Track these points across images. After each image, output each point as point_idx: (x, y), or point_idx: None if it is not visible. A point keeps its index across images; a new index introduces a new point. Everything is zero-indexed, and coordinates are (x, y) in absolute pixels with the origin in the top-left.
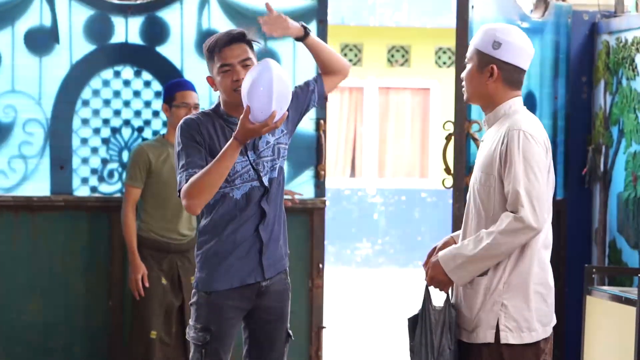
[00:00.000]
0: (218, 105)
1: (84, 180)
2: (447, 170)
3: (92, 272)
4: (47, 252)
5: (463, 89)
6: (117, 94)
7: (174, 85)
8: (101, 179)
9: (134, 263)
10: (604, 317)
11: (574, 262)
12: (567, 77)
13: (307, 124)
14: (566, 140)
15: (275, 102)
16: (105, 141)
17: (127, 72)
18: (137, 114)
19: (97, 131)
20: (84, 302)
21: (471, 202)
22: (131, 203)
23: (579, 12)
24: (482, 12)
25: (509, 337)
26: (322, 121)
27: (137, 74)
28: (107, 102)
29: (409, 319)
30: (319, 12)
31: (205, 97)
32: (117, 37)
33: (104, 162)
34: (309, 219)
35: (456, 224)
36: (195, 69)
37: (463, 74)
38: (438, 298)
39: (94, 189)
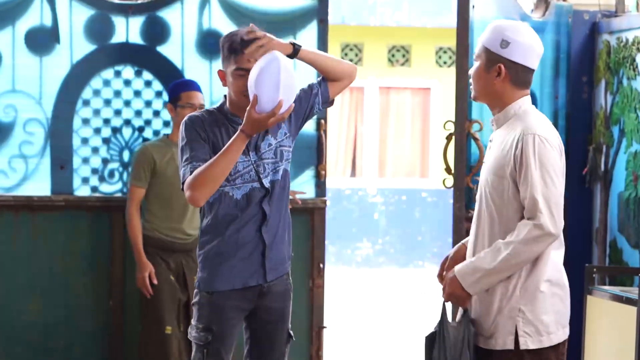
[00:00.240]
0: (223, 104)
1: (85, 180)
2: (448, 170)
3: (93, 272)
4: (47, 252)
5: (471, 86)
6: (117, 93)
7: (179, 85)
8: (102, 179)
9: (140, 262)
10: (605, 316)
11: (575, 262)
12: (567, 76)
13: (307, 124)
14: (567, 139)
15: (282, 91)
16: (106, 141)
17: (128, 71)
18: (138, 113)
19: (97, 131)
20: (84, 302)
21: (483, 205)
22: (136, 203)
23: (580, 11)
24: (483, 12)
25: (528, 343)
26: (322, 121)
27: (138, 73)
28: (107, 102)
29: (426, 337)
30: (320, 12)
31: (205, 98)
32: (118, 37)
33: (105, 161)
34: (310, 218)
35: (457, 224)
36: (196, 69)
37: (471, 71)
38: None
39: (94, 189)
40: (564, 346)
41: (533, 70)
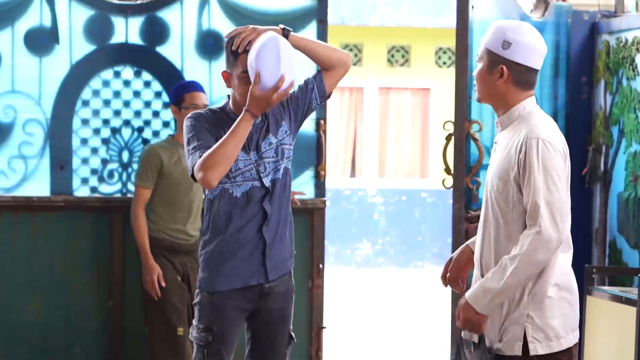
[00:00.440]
0: (226, 104)
1: (84, 181)
2: (447, 170)
3: (93, 273)
4: (47, 253)
5: (475, 88)
6: (117, 94)
7: (182, 87)
8: (101, 179)
9: (148, 264)
10: (604, 317)
11: (574, 262)
12: (567, 77)
13: (307, 124)
14: (566, 140)
15: (283, 66)
16: (105, 141)
17: (127, 72)
18: (137, 114)
19: (97, 131)
20: (84, 302)
21: (489, 209)
22: (141, 204)
23: (579, 12)
24: (482, 12)
25: (537, 349)
26: (322, 121)
27: (137, 74)
28: (107, 103)
29: None
30: (319, 12)
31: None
32: (117, 38)
33: (104, 162)
34: (309, 219)
35: (456, 224)
36: (196, 69)
37: (474, 73)
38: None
39: (94, 189)
40: (575, 349)
41: (537, 71)
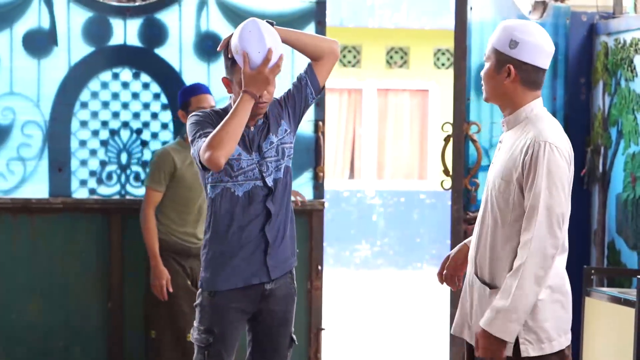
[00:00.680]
0: (229, 106)
1: (83, 183)
2: (446, 171)
3: (91, 274)
4: (46, 254)
5: (482, 87)
6: (115, 95)
7: (188, 90)
8: (100, 181)
9: (157, 268)
10: (603, 318)
11: (573, 264)
12: (565, 78)
13: (305, 126)
14: None
15: (268, 40)
16: (104, 143)
17: (126, 74)
18: (136, 115)
19: (95, 133)
20: (83, 303)
21: (488, 208)
22: (152, 207)
23: (578, 13)
24: (481, 14)
25: (529, 350)
26: (320, 123)
27: (136, 75)
28: (105, 104)
29: None
30: (318, 14)
31: None
32: (116, 39)
33: (103, 164)
34: (308, 220)
35: (455, 226)
36: (194, 71)
37: (482, 73)
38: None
39: (92, 191)
40: (568, 350)
41: (544, 70)
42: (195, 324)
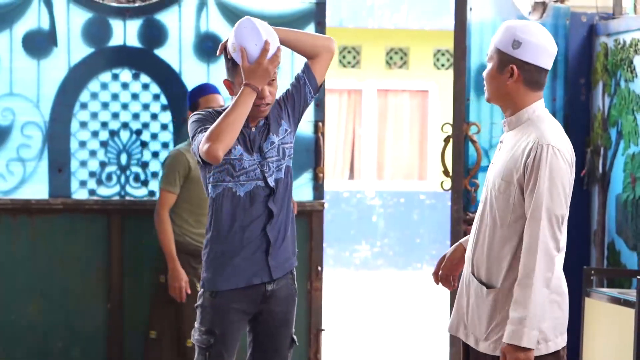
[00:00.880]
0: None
1: (82, 183)
2: (446, 172)
3: (91, 275)
4: (45, 255)
5: (484, 88)
6: (115, 96)
7: (196, 91)
8: (99, 182)
9: (175, 270)
10: (603, 319)
11: (573, 264)
12: (565, 78)
13: (305, 127)
14: None
15: (263, 33)
16: (104, 144)
17: (126, 74)
18: (136, 116)
19: (95, 134)
20: (82, 304)
21: (487, 208)
22: (167, 209)
23: (577, 13)
24: (481, 14)
25: None
26: (320, 123)
27: (136, 76)
28: (105, 105)
29: None
30: (318, 15)
31: None
32: (115, 40)
33: (102, 165)
34: (308, 221)
35: (455, 226)
36: (194, 72)
37: (484, 73)
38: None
39: (92, 192)
40: (563, 351)
41: (547, 71)
42: (196, 325)
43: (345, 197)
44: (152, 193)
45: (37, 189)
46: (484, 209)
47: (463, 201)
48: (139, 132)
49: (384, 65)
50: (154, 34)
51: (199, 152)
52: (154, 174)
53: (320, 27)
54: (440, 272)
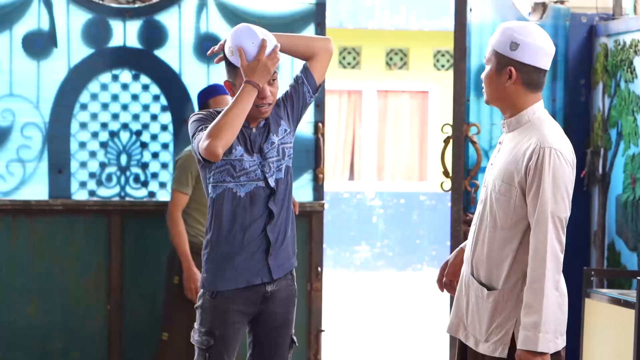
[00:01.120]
0: None
1: (82, 184)
2: (446, 173)
3: (91, 276)
4: (45, 256)
5: (483, 90)
6: (115, 97)
7: (206, 92)
8: (99, 183)
9: (191, 271)
10: (603, 319)
11: (573, 265)
12: (565, 79)
13: (305, 127)
14: None
15: (259, 32)
16: (104, 145)
17: (125, 75)
18: (136, 117)
19: (95, 135)
20: (82, 306)
21: (486, 209)
22: (180, 209)
23: (577, 14)
24: (480, 15)
25: None
26: (320, 124)
27: (136, 77)
28: (105, 106)
29: None
30: (317, 15)
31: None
32: (115, 41)
33: (102, 165)
34: (308, 222)
35: (455, 227)
36: (194, 73)
37: (482, 75)
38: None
39: (92, 193)
40: (563, 352)
41: (545, 71)
42: (195, 325)
43: (345, 197)
44: (152, 194)
45: (37, 190)
46: (483, 210)
47: (463, 202)
48: (139, 133)
49: (383, 66)
50: (154, 35)
51: (198, 150)
52: (154, 175)
53: (320, 28)
54: (444, 278)
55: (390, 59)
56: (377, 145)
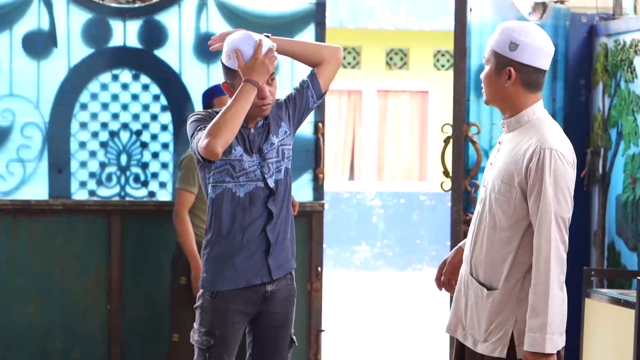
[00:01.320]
0: None
1: (82, 184)
2: (446, 173)
3: (91, 276)
4: (45, 256)
5: (482, 90)
6: (115, 97)
7: (210, 92)
8: (99, 183)
9: (199, 270)
10: (603, 319)
11: (573, 265)
12: (565, 79)
13: (305, 127)
14: None
15: (254, 35)
16: (104, 145)
17: (125, 75)
18: (136, 117)
19: (95, 135)
20: (82, 306)
21: (486, 209)
22: (187, 209)
23: (577, 14)
24: (480, 15)
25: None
26: (320, 124)
27: (136, 77)
28: (105, 106)
29: None
30: (317, 15)
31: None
32: (115, 41)
33: (102, 165)
34: (308, 222)
35: (455, 227)
36: (194, 73)
37: (481, 76)
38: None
39: (92, 193)
40: (563, 351)
41: (545, 71)
42: (195, 326)
43: (345, 197)
44: (152, 194)
45: (37, 190)
46: (482, 210)
47: (463, 202)
48: (139, 133)
49: (384, 66)
50: (154, 35)
51: (197, 149)
52: (154, 175)
53: (320, 28)
54: (443, 277)
55: (390, 59)
56: (377, 145)
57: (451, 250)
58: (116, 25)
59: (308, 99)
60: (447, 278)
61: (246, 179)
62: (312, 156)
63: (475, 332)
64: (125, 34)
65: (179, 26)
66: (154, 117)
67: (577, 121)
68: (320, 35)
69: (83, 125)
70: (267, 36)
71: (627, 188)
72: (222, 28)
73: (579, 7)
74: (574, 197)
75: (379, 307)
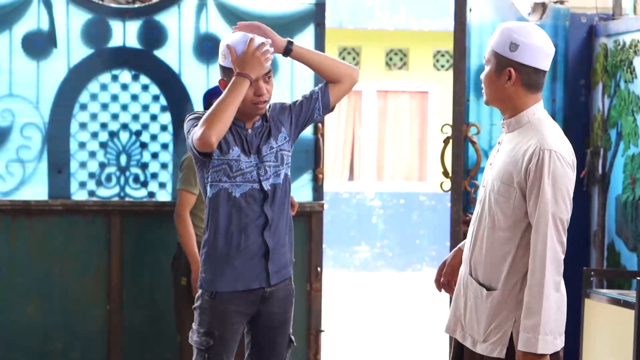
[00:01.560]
0: None
1: (82, 184)
2: (446, 173)
3: (90, 276)
4: (45, 256)
5: (482, 90)
6: (114, 97)
7: (211, 93)
8: (99, 183)
9: (199, 271)
10: (603, 320)
11: (573, 265)
12: (565, 79)
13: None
14: None
15: (250, 35)
16: (103, 145)
17: (125, 75)
18: (135, 117)
19: (95, 135)
20: (82, 306)
21: (485, 209)
22: (188, 209)
23: (577, 14)
24: (480, 15)
25: None
26: (320, 125)
27: (135, 77)
28: (104, 106)
29: None
30: (317, 16)
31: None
32: (115, 41)
33: (102, 166)
34: (307, 222)
35: (454, 227)
36: (193, 73)
37: (482, 76)
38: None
39: (92, 193)
40: (562, 352)
41: (545, 72)
42: (194, 326)
43: (345, 198)
44: (151, 194)
45: (37, 190)
46: (482, 210)
47: (463, 202)
48: (138, 133)
49: (383, 66)
50: (153, 35)
51: (193, 144)
52: (154, 175)
53: (320, 28)
54: (442, 278)
55: (390, 59)
56: (377, 145)
57: (451, 250)
58: (116, 25)
59: (314, 110)
60: (446, 279)
61: (242, 179)
62: (311, 156)
63: (474, 333)
64: (125, 34)
65: (179, 26)
66: (154, 118)
67: (577, 121)
68: (320, 36)
69: (83, 125)
70: (291, 42)
71: (627, 188)
72: (222, 28)
73: (578, 7)
74: (574, 198)
75: (379, 308)
